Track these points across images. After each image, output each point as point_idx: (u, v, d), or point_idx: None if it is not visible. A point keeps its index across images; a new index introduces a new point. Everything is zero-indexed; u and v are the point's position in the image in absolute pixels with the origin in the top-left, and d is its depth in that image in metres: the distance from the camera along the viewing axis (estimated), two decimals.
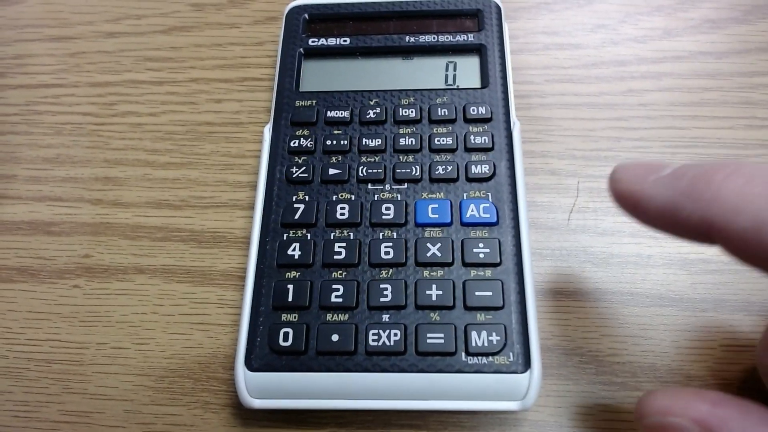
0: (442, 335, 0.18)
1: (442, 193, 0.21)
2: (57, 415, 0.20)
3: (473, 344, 0.18)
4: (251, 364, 0.18)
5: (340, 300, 0.19)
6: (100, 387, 0.20)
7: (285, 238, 0.20)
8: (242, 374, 0.18)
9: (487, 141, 0.22)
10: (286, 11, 0.25)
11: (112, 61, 0.28)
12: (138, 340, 0.21)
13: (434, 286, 0.19)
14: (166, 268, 0.22)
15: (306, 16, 0.25)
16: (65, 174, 0.25)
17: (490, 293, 0.19)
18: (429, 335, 0.18)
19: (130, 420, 0.20)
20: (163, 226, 0.23)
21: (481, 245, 0.20)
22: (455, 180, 0.21)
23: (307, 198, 0.21)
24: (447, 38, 0.24)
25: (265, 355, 0.18)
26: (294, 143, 0.22)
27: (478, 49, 0.24)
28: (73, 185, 0.24)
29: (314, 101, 0.23)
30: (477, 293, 0.19)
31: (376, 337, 0.18)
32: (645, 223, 0.16)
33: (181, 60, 0.27)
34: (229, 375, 0.20)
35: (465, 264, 0.19)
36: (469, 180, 0.21)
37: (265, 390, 0.18)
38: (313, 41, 0.25)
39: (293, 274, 0.20)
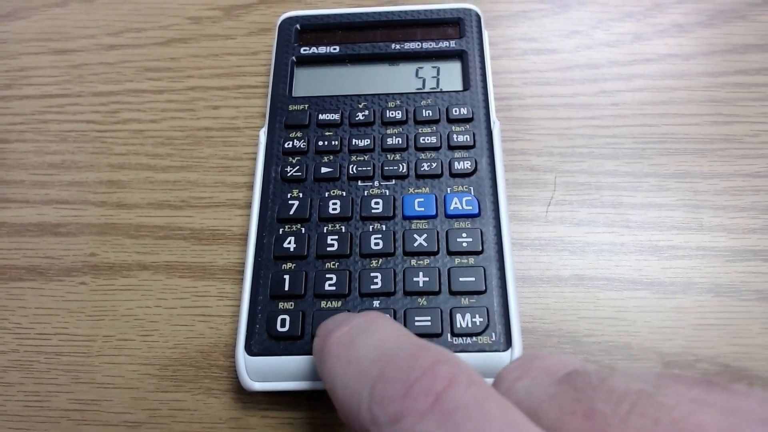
0: (429, 318, 0.19)
1: (427, 188, 0.22)
2: (67, 403, 0.21)
3: (458, 326, 0.19)
4: (251, 349, 0.20)
5: (333, 288, 0.20)
6: (108, 376, 0.21)
7: (281, 232, 0.22)
8: (242, 359, 0.20)
9: (468, 139, 0.23)
10: (278, 22, 0.27)
11: (113, 72, 0.29)
12: (143, 332, 0.22)
13: (421, 274, 0.20)
14: (169, 264, 0.24)
15: (298, 26, 0.27)
16: (71, 178, 0.26)
17: (473, 279, 0.20)
18: (417, 318, 0.19)
19: (136, 406, 0.21)
20: (164, 226, 0.24)
21: (464, 235, 0.21)
22: (440, 176, 0.22)
23: (301, 195, 0.22)
24: (430, 45, 0.26)
25: (264, 341, 0.20)
26: (288, 145, 0.24)
27: (459, 55, 0.25)
28: (78, 189, 0.26)
29: (306, 105, 0.25)
30: (461, 279, 0.20)
31: None
32: None
33: (179, 70, 0.29)
34: (230, 362, 0.21)
35: (449, 253, 0.21)
36: (453, 175, 0.22)
37: (264, 373, 0.19)
38: (304, 50, 0.26)
39: (289, 265, 0.21)
